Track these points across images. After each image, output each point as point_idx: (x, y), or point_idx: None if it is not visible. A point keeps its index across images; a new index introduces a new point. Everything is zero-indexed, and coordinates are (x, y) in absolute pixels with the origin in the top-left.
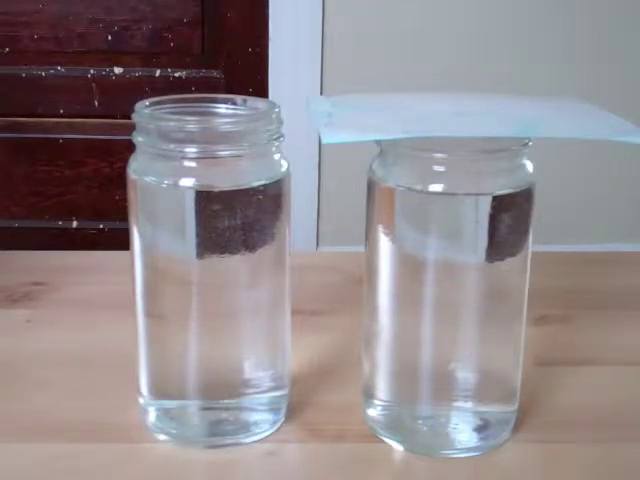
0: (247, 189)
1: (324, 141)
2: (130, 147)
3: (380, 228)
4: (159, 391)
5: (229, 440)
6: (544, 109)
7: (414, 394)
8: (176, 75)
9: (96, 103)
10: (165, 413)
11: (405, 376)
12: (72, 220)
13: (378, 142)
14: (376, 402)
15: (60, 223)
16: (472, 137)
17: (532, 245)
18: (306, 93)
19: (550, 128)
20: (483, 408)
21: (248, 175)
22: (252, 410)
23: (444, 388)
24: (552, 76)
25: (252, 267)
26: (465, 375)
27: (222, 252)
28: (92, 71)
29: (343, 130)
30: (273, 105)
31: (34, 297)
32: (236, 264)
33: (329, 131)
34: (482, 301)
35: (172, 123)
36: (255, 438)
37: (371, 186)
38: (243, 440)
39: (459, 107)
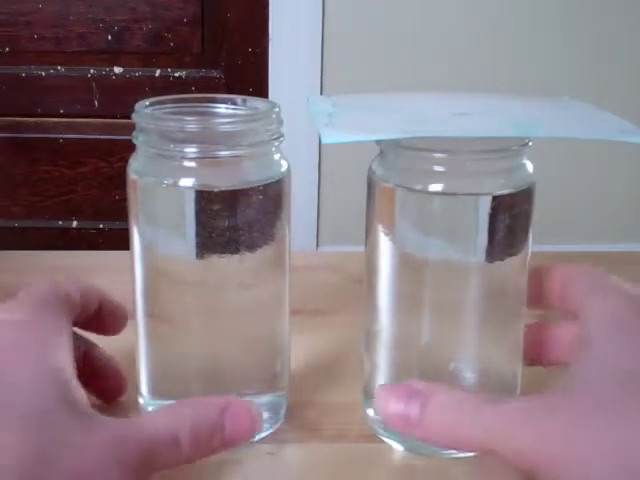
0: (247, 189)
1: (324, 141)
2: (130, 147)
3: (380, 228)
4: (159, 391)
5: None
6: (544, 109)
7: None
8: (176, 75)
9: (96, 103)
10: None
11: (405, 376)
12: (72, 220)
13: (378, 142)
14: None
15: (60, 223)
16: (472, 137)
17: (532, 245)
18: (306, 93)
19: (550, 128)
20: None
21: (248, 175)
22: None
23: None
24: (552, 76)
25: (252, 267)
26: (465, 374)
27: (222, 252)
28: (92, 71)
29: (343, 130)
30: (273, 105)
31: None
32: (236, 264)
33: (329, 131)
34: (482, 301)
35: (172, 123)
36: (255, 438)
37: (371, 186)
38: None
39: (459, 107)
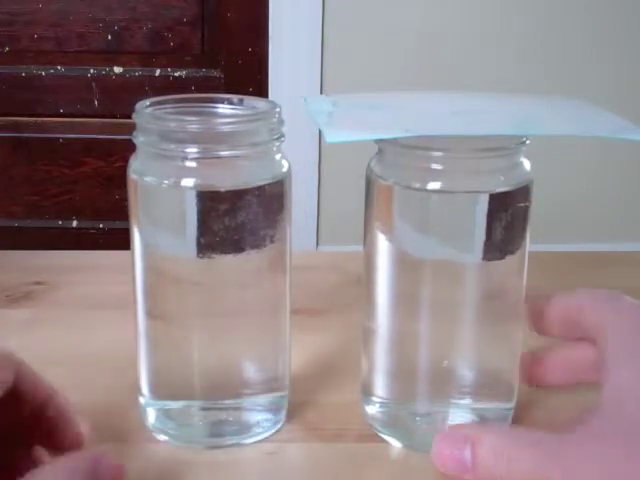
0: (248, 189)
1: (328, 140)
2: (130, 146)
3: (378, 226)
4: (160, 391)
5: (230, 441)
6: (543, 107)
7: (412, 391)
8: (176, 75)
9: (96, 103)
10: (165, 413)
11: (403, 374)
12: (72, 220)
13: (377, 140)
14: (374, 399)
15: (60, 223)
16: (472, 135)
17: (530, 244)
18: (306, 93)
19: (549, 126)
20: (480, 405)
21: (249, 175)
22: (253, 410)
23: (441, 385)
24: (552, 76)
25: (252, 267)
26: (462, 372)
27: (222, 252)
28: (92, 71)
29: (347, 129)
30: (274, 105)
31: (34, 297)
32: (236, 264)
33: (333, 130)
34: (479, 299)
35: (173, 123)
36: (256, 439)
37: (369, 184)
38: (244, 441)
39: (458, 106)
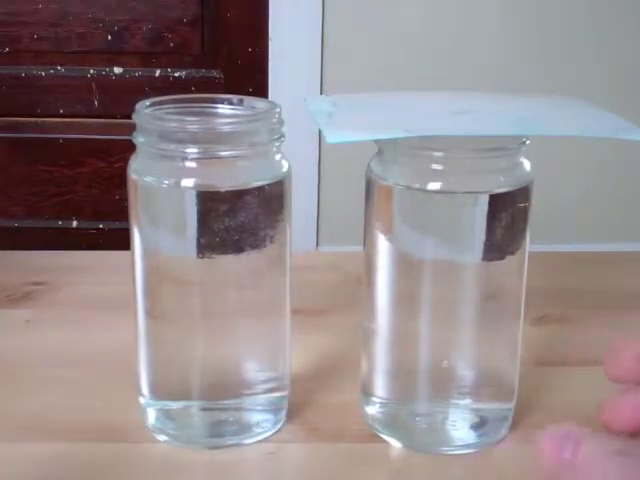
0: (248, 189)
1: (328, 140)
2: (130, 147)
3: (378, 226)
4: (160, 391)
5: (230, 441)
6: (543, 107)
7: (412, 392)
8: (176, 75)
9: (96, 103)
10: (166, 414)
11: (403, 374)
12: (72, 220)
13: (377, 141)
14: (374, 400)
15: (60, 223)
16: (472, 135)
17: (530, 245)
18: (306, 93)
19: (550, 126)
20: (480, 405)
21: (249, 175)
22: (253, 411)
23: (441, 386)
24: (552, 76)
25: (252, 267)
26: (462, 373)
27: (223, 252)
28: (92, 71)
29: (347, 129)
30: (274, 105)
31: (34, 297)
32: (236, 264)
33: (333, 130)
34: (479, 299)
35: (173, 124)
36: (256, 439)
37: (369, 184)
38: (244, 441)
39: (459, 106)
